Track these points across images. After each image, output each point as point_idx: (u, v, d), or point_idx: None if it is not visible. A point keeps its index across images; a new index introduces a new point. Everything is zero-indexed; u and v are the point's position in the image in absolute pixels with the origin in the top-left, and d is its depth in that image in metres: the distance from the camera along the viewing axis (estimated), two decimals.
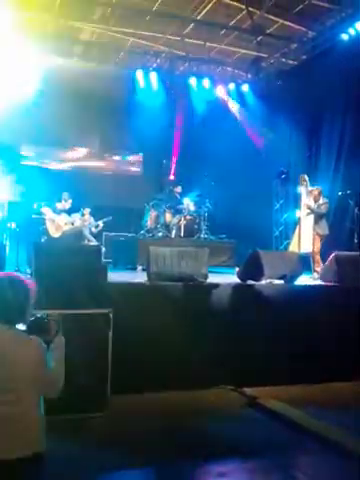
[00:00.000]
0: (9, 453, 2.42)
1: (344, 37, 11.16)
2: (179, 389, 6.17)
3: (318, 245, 9.26)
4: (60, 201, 10.41)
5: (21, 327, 2.62)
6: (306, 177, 9.74)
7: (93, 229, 10.93)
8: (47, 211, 10.00)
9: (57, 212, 10.18)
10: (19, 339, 2.52)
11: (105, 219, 11.02)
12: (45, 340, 2.58)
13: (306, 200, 9.54)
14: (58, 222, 10.10)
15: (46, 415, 2.58)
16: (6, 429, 2.42)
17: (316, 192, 9.44)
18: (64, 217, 10.27)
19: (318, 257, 9.15)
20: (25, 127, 12.12)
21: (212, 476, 4.52)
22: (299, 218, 9.63)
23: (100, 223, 10.96)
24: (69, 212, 10.47)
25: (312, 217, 9.31)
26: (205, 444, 4.89)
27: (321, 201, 9.37)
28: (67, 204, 10.44)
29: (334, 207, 10.54)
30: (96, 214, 11.12)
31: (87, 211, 10.94)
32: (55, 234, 10.02)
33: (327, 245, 9.27)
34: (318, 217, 9.30)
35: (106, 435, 5.00)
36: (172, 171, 13.55)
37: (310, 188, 9.57)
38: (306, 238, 9.32)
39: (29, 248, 8.50)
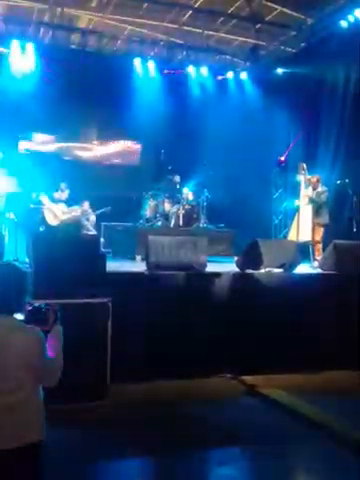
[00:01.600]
0: (9, 442, 2.42)
1: (343, 24, 11.06)
2: (179, 378, 6.20)
3: (320, 234, 9.23)
4: (57, 191, 10.38)
5: (19, 317, 2.62)
6: (304, 165, 9.69)
7: (89, 220, 10.89)
8: (45, 199, 9.97)
9: (55, 201, 10.16)
10: (17, 328, 2.51)
11: (104, 209, 10.98)
12: (43, 329, 2.58)
13: (305, 189, 9.51)
14: (55, 211, 10.08)
15: (46, 404, 2.59)
16: (6, 418, 2.43)
17: (314, 180, 9.39)
18: (62, 206, 10.25)
19: (319, 246, 9.12)
20: (22, 116, 12.04)
21: (212, 464, 4.55)
22: (298, 207, 9.60)
23: (92, 217, 10.91)
24: (67, 202, 10.43)
25: (311, 206, 9.28)
26: (205, 432, 4.92)
27: (320, 189, 9.33)
28: (64, 194, 10.40)
29: (333, 196, 10.50)
30: (95, 204, 11.09)
31: (86, 203, 10.90)
32: (53, 222, 10.00)
33: (326, 234, 9.27)
34: (318, 206, 9.26)
35: (106, 423, 5.03)
36: (170, 161, 13.49)
37: (308, 176, 9.53)
38: (305, 227, 9.29)
39: (28, 238, 8.49)
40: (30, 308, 2.65)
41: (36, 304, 2.70)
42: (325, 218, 9.28)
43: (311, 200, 9.26)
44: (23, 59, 11.93)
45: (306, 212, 9.34)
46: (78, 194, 10.86)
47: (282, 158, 12.73)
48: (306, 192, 9.44)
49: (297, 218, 9.55)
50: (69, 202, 10.45)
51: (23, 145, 12.87)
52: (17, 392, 2.45)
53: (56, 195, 10.31)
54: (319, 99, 12.11)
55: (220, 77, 13.89)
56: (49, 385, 2.60)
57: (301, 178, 9.60)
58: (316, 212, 9.23)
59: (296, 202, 9.90)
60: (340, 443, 4.74)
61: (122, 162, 14.47)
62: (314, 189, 9.34)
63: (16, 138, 12.67)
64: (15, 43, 11.78)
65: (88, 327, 5.47)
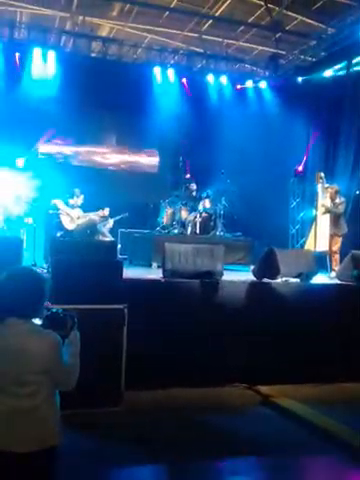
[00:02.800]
0: (25, 446, 2.44)
1: None
2: (193, 386, 6.18)
3: (338, 244, 9.15)
4: (72, 197, 10.45)
5: (37, 321, 2.63)
6: (322, 174, 9.63)
7: (107, 226, 10.94)
8: (60, 204, 10.06)
9: (70, 206, 10.24)
10: (35, 333, 2.53)
11: (121, 215, 11.04)
12: (61, 335, 2.58)
13: (322, 198, 9.44)
14: (72, 215, 10.17)
15: (61, 409, 2.60)
16: (22, 422, 2.45)
17: (333, 191, 9.32)
18: (78, 211, 10.33)
19: (337, 256, 9.05)
20: (42, 123, 12.19)
21: (225, 473, 4.53)
22: (315, 216, 9.54)
23: (110, 223, 10.97)
24: (82, 207, 10.49)
25: (328, 216, 9.22)
26: (219, 441, 4.90)
27: (338, 201, 9.26)
28: (79, 200, 10.46)
29: (351, 206, 10.44)
30: (112, 210, 11.16)
31: (106, 210, 10.97)
32: (69, 226, 10.08)
33: (344, 244, 9.20)
34: (336, 217, 9.19)
35: (120, 430, 5.03)
36: (188, 168, 13.51)
37: (326, 185, 9.47)
38: (322, 237, 9.23)
39: (46, 243, 8.57)
40: (48, 313, 2.67)
41: (53, 309, 2.71)
42: (343, 228, 9.20)
43: (328, 210, 9.20)
44: (44, 67, 12.09)
45: (323, 222, 9.28)
46: (96, 200, 10.92)
47: (300, 168, 12.69)
48: (323, 201, 9.38)
49: (314, 228, 9.49)
50: (84, 207, 10.51)
51: (42, 151, 12.99)
52: (34, 396, 2.46)
53: (71, 201, 10.38)
54: (338, 109, 12.05)
55: (239, 87, 13.89)
56: (65, 390, 2.61)
57: (319, 187, 9.54)
58: (334, 222, 9.16)
59: (314, 212, 9.85)
60: (353, 454, 4.68)
61: (140, 169, 14.54)
62: (332, 200, 9.27)
63: (36, 144, 12.81)
64: (37, 50, 11.94)
65: (103, 333, 5.48)
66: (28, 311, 2.56)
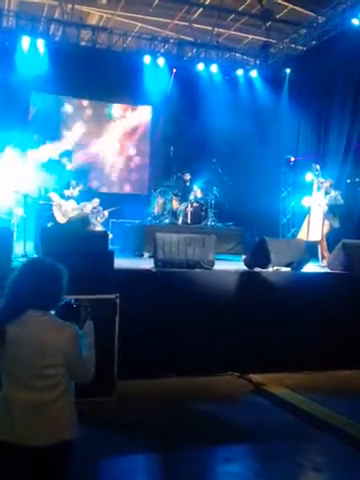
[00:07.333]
0: (43, 440, 2.40)
1: (355, 22, 11.01)
2: (186, 375, 6.20)
3: (325, 232, 9.19)
4: (68, 188, 10.37)
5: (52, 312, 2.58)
6: (318, 166, 9.64)
7: (98, 219, 10.89)
8: (55, 196, 9.97)
9: (65, 198, 10.17)
10: (55, 326, 2.48)
11: (112, 209, 11.01)
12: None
13: (317, 192, 9.45)
14: (65, 208, 10.07)
15: None
16: (41, 416, 2.41)
17: (327, 184, 9.35)
18: (72, 203, 10.24)
19: (324, 243, 9.09)
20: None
21: (218, 461, 4.55)
22: (310, 207, 9.54)
23: (105, 213, 10.93)
24: (77, 199, 10.43)
25: (323, 208, 9.21)
26: (211, 430, 4.93)
27: (333, 193, 9.28)
28: (75, 191, 10.37)
29: (342, 195, 10.46)
30: (103, 200, 11.11)
31: (96, 201, 10.89)
32: (61, 220, 9.99)
33: (335, 233, 9.23)
34: (335, 208, 9.19)
35: (113, 420, 5.04)
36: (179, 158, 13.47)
37: (321, 179, 9.48)
38: (315, 227, 9.26)
39: (36, 234, 8.51)
40: (62, 304, 2.61)
41: (67, 300, 2.65)
42: (337, 222, 9.22)
43: (331, 207, 9.15)
44: (33, 55, 11.95)
45: (317, 213, 9.30)
46: (88, 191, 10.86)
47: (291, 157, 12.69)
48: (318, 194, 9.39)
49: (307, 219, 9.51)
50: (79, 199, 10.45)
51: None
52: (53, 390, 2.43)
53: (67, 192, 10.30)
54: (329, 98, 12.05)
55: (230, 77, 13.81)
56: (83, 382, 2.58)
57: (314, 180, 9.55)
58: (332, 214, 9.14)
59: (305, 202, 9.86)
60: (346, 442, 4.73)
61: (132, 158, 14.45)
62: (327, 193, 9.28)
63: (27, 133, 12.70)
64: (25, 39, 11.79)
65: (95, 323, 5.45)
66: (47, 303, 2.52)
